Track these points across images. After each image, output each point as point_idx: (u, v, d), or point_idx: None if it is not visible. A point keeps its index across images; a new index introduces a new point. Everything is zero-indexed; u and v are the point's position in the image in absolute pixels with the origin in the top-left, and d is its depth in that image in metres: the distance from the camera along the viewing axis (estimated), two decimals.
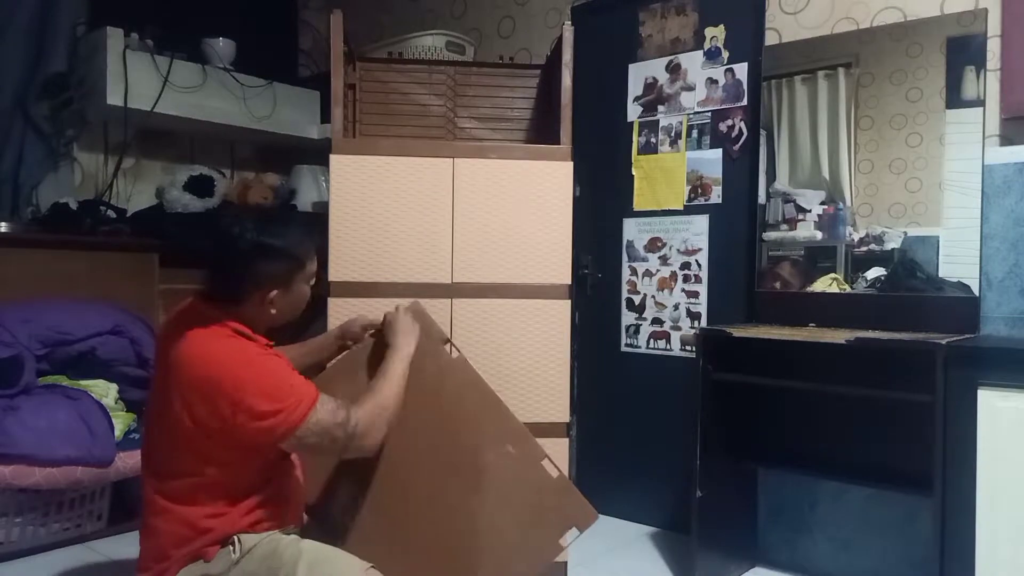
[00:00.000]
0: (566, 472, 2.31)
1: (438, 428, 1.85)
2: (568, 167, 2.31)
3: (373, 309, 2.23)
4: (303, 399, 1.52)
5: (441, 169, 2.26)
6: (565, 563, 2.31)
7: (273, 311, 1.63)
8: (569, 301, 2.31)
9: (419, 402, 1.80)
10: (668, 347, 2.88)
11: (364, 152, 2.24)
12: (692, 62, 2.82)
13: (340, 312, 2.20)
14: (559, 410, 2.30)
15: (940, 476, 1.86)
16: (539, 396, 2.28)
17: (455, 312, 2.25)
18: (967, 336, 2.05)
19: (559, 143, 2.31)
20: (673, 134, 2.86)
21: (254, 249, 1.59)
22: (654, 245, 2.91)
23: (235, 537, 1.57)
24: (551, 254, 2.29)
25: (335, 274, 2.21)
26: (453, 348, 1.98)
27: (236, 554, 1.55)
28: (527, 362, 2.28)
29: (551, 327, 2.29)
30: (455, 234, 2.26)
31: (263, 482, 1.61)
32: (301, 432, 1.51)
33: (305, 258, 1.66)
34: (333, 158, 2.22)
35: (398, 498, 1.80)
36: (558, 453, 2.30)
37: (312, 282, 1.71)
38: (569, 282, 2.32)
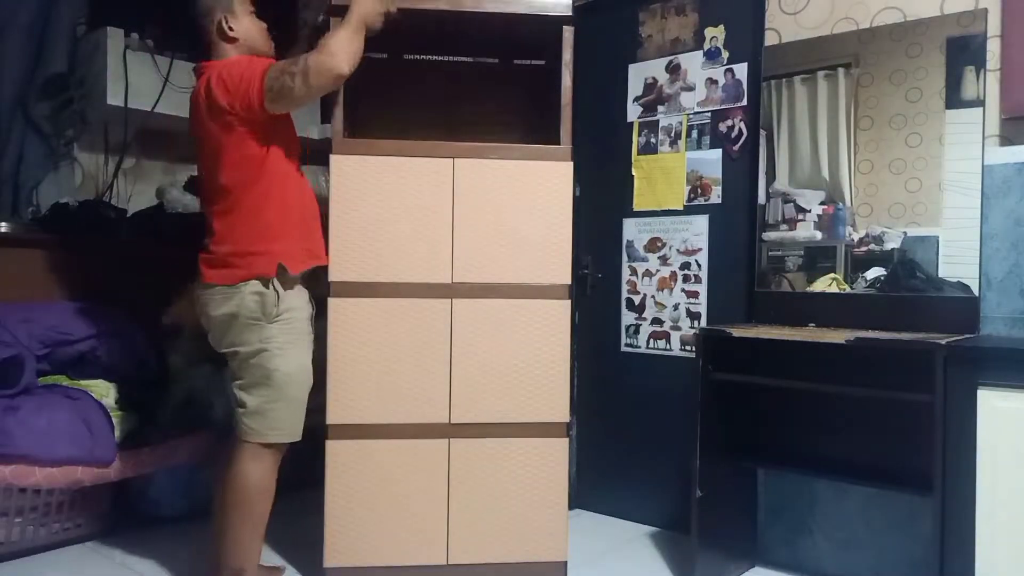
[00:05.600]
0: (565, 472, 2.31)
1: None
2: (568, 167, 2.31)
3: (373, 309, 2.23)
4: (264, 66, 2.05)
5: (441, 169, 2.26)
6: (565, 563, 2.31)
7: (237, 38, 2.15)
8: (569, 301, 2.32)
9: None
10: (668, 347, 2.88)
11: (364, 152, 2.24)
12: (692, 62, 2.82)
13: (341, 312, 2.20)
14: (559, 410, 2.30)
15: (940, 476, 1.86)
16: (539, 396, 2.28)
17: (455, 312, 2.25)
18: (967, 336, 2.05)
19: (559, 143, 2.31)
20: (673, 134, 2.86)
21: None
22: (654, 245, 2.91)
23: (280, 264, 2.04)
24: (551, 254, 2.29)
25: (335, 274, 2.21)
26: None
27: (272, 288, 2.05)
28: (527, 362, 2.28)
29: (551, 327, 2.29)
30: (455, 234, 2.26)
31: (298, 216, 2.12)
32: (267, 81, 1.99)
33: None
34: (333, 158, 2.22)
35: None
36: (558, 453, 2.31)
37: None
38: (569, 282, 2.32)
